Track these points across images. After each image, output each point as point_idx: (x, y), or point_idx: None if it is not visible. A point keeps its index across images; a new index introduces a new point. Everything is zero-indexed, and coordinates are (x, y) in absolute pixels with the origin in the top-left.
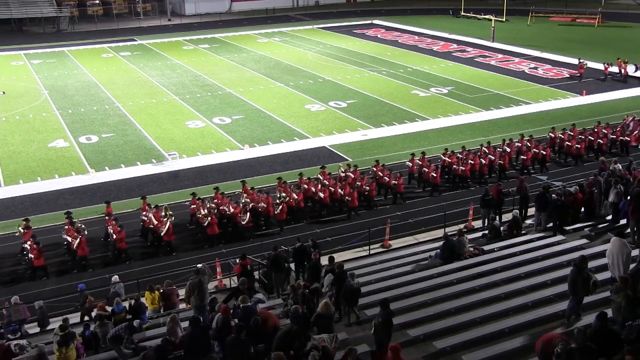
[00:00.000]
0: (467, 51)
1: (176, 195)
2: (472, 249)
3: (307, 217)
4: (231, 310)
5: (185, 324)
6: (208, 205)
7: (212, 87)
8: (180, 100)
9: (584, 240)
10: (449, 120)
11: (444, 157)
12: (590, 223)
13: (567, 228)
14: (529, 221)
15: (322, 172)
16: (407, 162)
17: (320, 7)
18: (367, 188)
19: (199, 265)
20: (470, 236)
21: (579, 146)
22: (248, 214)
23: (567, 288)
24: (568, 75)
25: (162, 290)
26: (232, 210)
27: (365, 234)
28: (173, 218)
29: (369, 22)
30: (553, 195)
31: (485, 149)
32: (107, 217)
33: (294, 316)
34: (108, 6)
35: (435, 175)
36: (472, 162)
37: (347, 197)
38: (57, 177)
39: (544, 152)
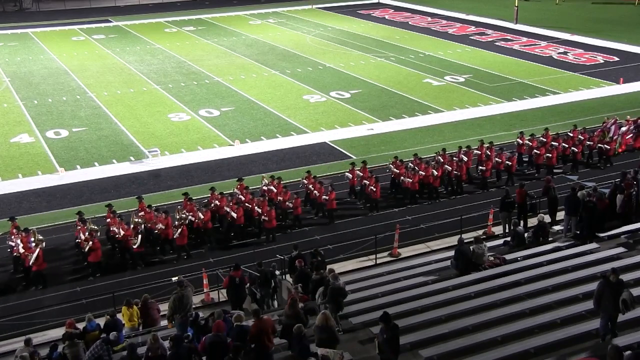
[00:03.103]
0: (487, 34)
1: (158, 197)
2: (492, 258)
3: (212, 241)
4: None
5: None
6: (89, 227)
7: (198, 75)
8: (161, 89)
9: (621, 249)
10: (466, 113)
11: (392, 167)
12: (627, 229)
13: (601, 235)
14: (557, 227)
15: (239, 185)
16: (347, 173)
17: None
18: (290, 205)
19: (175, 279)
20: (490, 244)
21: (549, 155)
22: (139, 236)
23: (593, 303)
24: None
25: (140, 305)
26: (122, 232)
27: (371, 241)
28: (44, 244)
29: (376, 1)
30: (586, 197)
31: (440, 157)
32: None
33: (297, 338)
34: None
35: (374, 189)
36: (424, 172)
37: (263, 217)
38: (20, 177)
39: (509, 162)
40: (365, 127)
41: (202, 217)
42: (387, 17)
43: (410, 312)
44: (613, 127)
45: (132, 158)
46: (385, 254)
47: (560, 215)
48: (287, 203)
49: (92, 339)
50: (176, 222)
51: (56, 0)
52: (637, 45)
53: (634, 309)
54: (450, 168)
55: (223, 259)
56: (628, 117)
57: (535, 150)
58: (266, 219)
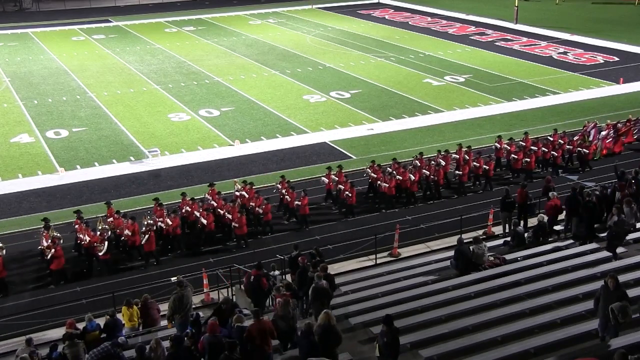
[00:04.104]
0: (487, 34)
1: (157, 197)
2: (492, 258)
3: (182, 247)
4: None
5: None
6: (52, 235)
7: (198, 75)
8: (161, 90)
9: (621, 249)
10: (466, 113)
11: (369, 172)
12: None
13: (602, 235)
14: (557, 227)
15: (210, 190)
16: (323, 178)
17: None
18: (261, 211)
19: (174, 279)
20: (489, 244)
21: (528, 160)
22: (106, 243)
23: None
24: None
25: (140, 305)
26: (87, 239)
27: (371, 241)
28: (4, 251)
29: (376, 1)
30: (586, 196)
31: (417, 161)
32: None
33: (305, 334)
34: None
35: (350, 194)
36: (401, 177)
37: (234, 223)
38: (20, 177)
39: (487, 167)
40: (365, 127)
41: (170, 223)
42: (387, 17)
43: (410, 312)
44: (593, 131)
45: (132, 158)
46: (385, 254)
47: (560, 215)
48: (257, 209)
49: (92, 339)
50: (143, 228)
51: (56, 0)
52: (637, 45)
53: (626, 321)
54: (427, 172)
55: (223, 259)
56: (608, 121)
57: (513, 155)
58: (236, 225)
